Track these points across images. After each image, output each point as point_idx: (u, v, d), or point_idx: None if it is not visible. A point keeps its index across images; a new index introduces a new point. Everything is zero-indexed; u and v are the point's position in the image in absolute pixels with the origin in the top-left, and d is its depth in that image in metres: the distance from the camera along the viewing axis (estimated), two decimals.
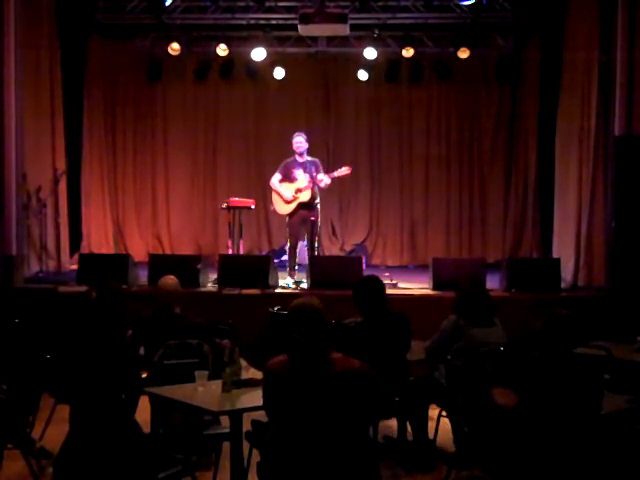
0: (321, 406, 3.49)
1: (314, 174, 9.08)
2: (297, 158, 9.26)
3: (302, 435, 3.52)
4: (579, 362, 3.98)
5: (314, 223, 9.19)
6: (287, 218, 9.37)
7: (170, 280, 5.92)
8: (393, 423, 5.85)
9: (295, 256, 9.44)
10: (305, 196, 9.12)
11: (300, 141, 9.21)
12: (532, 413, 3.83)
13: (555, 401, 3.81)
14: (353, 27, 10.67)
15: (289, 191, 9.19)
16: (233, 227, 9.85)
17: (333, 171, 9.34)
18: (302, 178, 9.15)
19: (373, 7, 10.94)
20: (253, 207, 10.03)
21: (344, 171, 9.27)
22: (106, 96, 12.22)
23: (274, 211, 9.58)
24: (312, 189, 9.08)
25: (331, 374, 3.53)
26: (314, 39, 11.66)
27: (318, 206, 9.23)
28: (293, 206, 9.21)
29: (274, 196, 9.39)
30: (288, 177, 9.26)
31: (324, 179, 9.11)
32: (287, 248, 9.57)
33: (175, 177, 12.52)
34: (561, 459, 3.79)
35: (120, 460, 3.76)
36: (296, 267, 9.36)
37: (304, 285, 8.77)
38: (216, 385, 4.63)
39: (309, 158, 9.27)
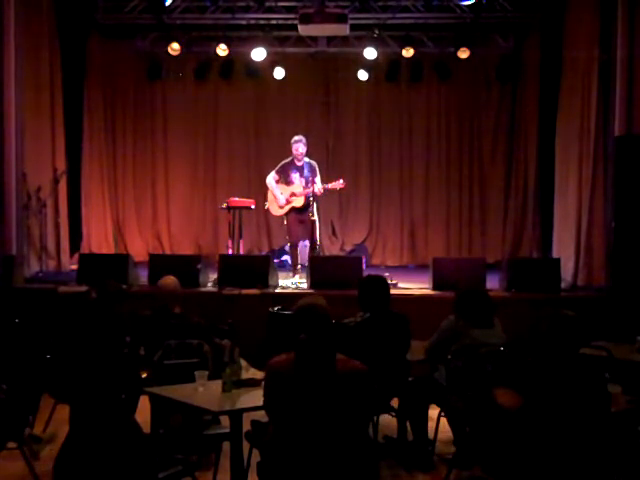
0: (323, 406, 3.49)
1: (310, 179, 9.20)
2: (295, 161, 9.37)
3: (302, 435, 3.52)
4: (584, 363, 3.96)
5: (313, 223, 9.23)
6: (284, 218, 9.51)
7: (170, 280, 5.94)
8: (393, 423, 5.85)
9: (296, 255, 9.49)
10: (298, 202, 9.29)
11: (300, 147, 9.29)
12: (535, 414, 3.83)
13: (559, 402, 3.80)
14: (353, 27, 10.66)
15: (283, 195, 9.34)
16: (233, 227, 9.87)
17: (328, 182, 9.41)
18: (298, 183, 9.30)
19: (373, 7, 10.92)
20: (253, 207, 10.07)
21: (338, 185, 9.35)
22: (106, 96, 12.21)
23: (268, 210, 9.73)
24: (306, 196, 9.18)
25: (335, 375, 3.53)
26: (314, 39, 11.64)
27: (313, 210, 9.26)
28: (285, 209, 9.39)
29: (269, 196, 9.57)
30: (284, 179, 9.39)
31: (317, 184, 9.22)
32: (288, 248, 9.64)
33: (175, 177, 12.52)
34: (563, 460, 3.79)
35: (120, 460, 3.76)
36: (298, 266, 9.40)
37: (304, 285, 8.78)
38: (216, 385, 4.63)
39: (307, 160, 9.34)
